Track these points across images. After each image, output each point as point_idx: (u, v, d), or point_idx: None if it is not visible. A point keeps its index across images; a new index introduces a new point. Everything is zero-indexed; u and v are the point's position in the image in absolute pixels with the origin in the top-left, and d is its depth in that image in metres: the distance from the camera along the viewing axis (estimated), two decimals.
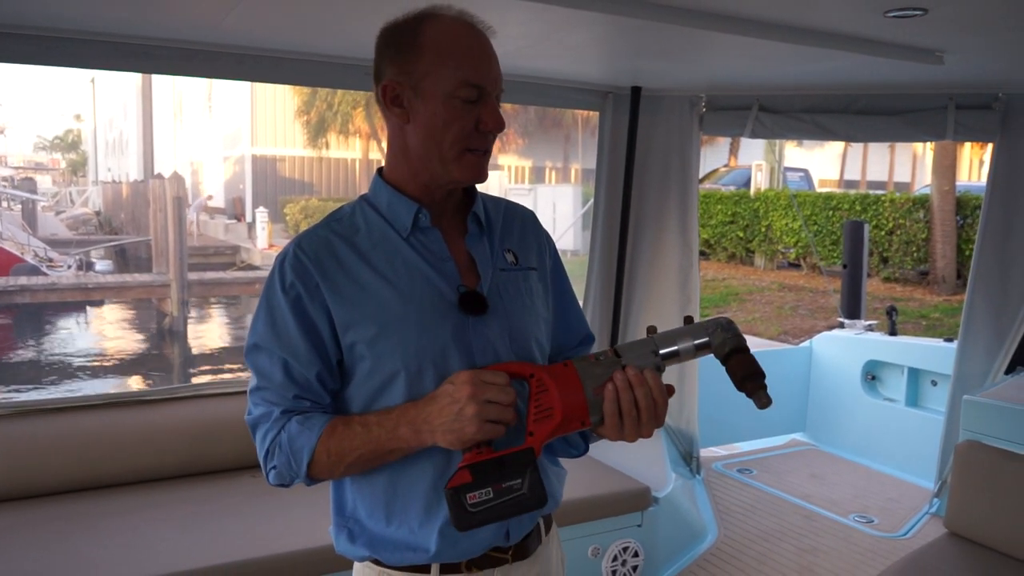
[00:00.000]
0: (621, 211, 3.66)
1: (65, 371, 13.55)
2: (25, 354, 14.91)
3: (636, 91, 3.47)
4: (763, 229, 15.34)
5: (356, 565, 1.33)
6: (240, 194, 29.31)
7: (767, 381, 1.18)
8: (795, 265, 15.23)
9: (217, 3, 2.16)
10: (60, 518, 2.66)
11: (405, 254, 1.26)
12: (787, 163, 21.84)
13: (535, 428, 1.16)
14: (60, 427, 2.92)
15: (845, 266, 5.45)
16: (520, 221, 1.42)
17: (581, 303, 3.91)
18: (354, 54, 2.79)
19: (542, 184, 26.08)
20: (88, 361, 14.34)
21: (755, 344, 10.60)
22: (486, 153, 1.27)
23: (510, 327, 1.29)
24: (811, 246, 14.07)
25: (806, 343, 5.22)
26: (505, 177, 22.36)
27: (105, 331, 17.26)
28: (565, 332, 1.44)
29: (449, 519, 1.13)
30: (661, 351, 1.20)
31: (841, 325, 5.24)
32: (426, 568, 1.27)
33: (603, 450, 3.57)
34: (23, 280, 16.04)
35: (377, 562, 1.30)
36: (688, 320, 1.24)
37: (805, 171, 20.87)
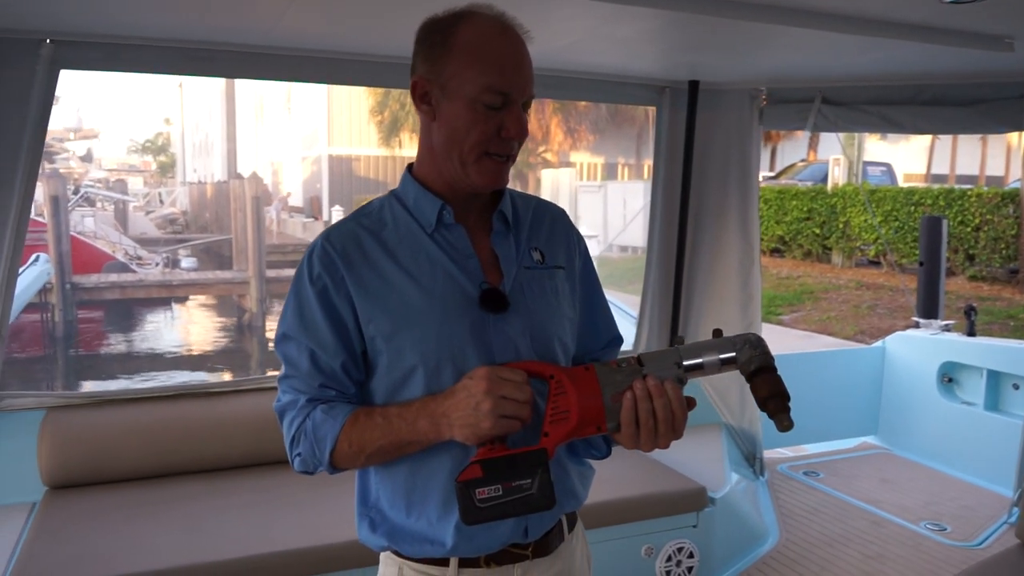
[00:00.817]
0: (680, 208, 3.61)
1: (150, 363, 14.18)
2: (114, 347, 15.66)
3: (694, 85, 3.42)
4: (840, 225, 14.87)
5: (381, 556, 1.36)
6: (317, 193, 30.07)
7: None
8: (875, 263, 14.72)
9: (270, 7, 2.23)
10: (131, 503, 2.78)
11: (429, 250, 1.28)
12: (868, 157, 21.09)
13: (550, 429, 1.17)
14: (131, 417, 3.05)
15: (922, 263, 5.23)
16: (550, 220, 1.41)
17: (639, 300, 3.90)
18: (405, 54, 2.83)
19: (614, 181, 25.90)
20: (172, 354, 14.97)
21: (827, 344, 10.32)
22: (508, 159, 1.27)
23: (532, 326, 1.28)
24: (884, 242, 13.56)
25: (879, 343, 5.04)
26: (575, 174, 22.28)
27: (188, 326, 18.00)
28: (592, 333, 1.43)
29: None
30: (685, 363, 1.19)
31: (916, 325, 5.04)
32: (444, 562, 1.28)
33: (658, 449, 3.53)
34: (113, 277, 16.86)
35: (397, 553, 1.32)
36: (717, 333, 1.21)
37: (887, 165, 20.12)
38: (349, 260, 1.25)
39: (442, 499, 1.25)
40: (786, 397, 1.16)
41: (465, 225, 1.31)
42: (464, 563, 1.28)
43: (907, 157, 27.72)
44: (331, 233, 1.29)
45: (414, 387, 1.24)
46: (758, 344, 1.19)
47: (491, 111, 1.21)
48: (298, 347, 1.26)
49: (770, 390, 1.16)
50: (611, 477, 3.11)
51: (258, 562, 2.42)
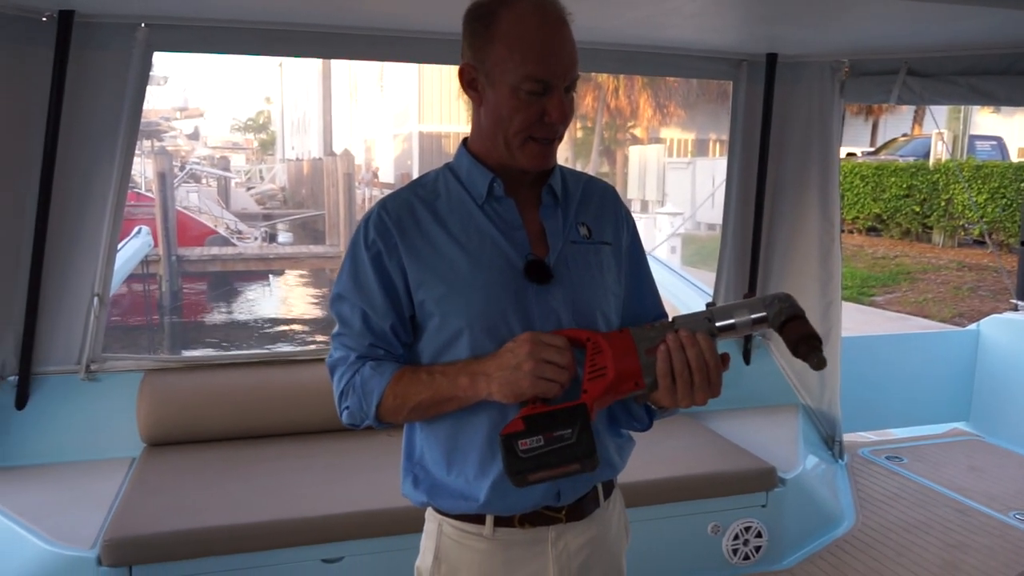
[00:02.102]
0: (756, 184, 3.55)
1: (246, 331, 14.83)
2: (215, 316, 16.46)
3: (772, 58, 3.33)
4: (943, 203, 14.14)
5: (426, 513, 1.43)
6: (408, 170, 30.54)
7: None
8: (980, 242, 13.95)
9: None
10: (219, 461, 2.96)
11: (479, 221, 1.33)
12: (977, 131, 19.92)
13: (589, 386, 1.21)
14: (221, 381, 3.24)
15: (1023, 243, 4.96)
16: (599, 196, 1.44)
17: (715, 278, 3.86)
18: None
19: (704, 157, 25.32)
20: (267, 323, 15.62)
21: (920, 326, 9.88)
22: (553, 141, 1.30)
23: (574, 298, 1.32)
24: (982, 219, 12.80)
25: (972, 326, 4.83)
26: (664, 151, 21.87)
27: (283, 297, 18.73)
28: (639, 309, 1.45)
29: (502, 472, 1.20)
30: (717, 323, 1.22)
31: (1015, 308, 4.79)
32: (480, 519, 1.34)
33: (729, 427, 3.51)
34: (215, 250, 17.70)
35: (437, 510, 1.38)
36: (748, 295, 1.25)
37: (998, 139, 18.91)
38: (403, 228, 1.31)
39: (480, 458, 1.31)
40: (816, 338, 1.18)
41: (515, 198, 1.35)
42: (500, 522, 1.34)
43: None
44: (387, 202, 1.36)
45: (459, 350, 1.29)
46: (786, 299, 1.22)
47: (532, 97, 1.25)
48: (351, 307, 1.33)
49: (799, 334, 1.18)
50: (678, 453, 3.13)
51: (334, 520, 2.55)
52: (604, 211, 1.43)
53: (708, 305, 1.25)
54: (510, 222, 1.34)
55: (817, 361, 1.16)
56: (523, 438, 1.17)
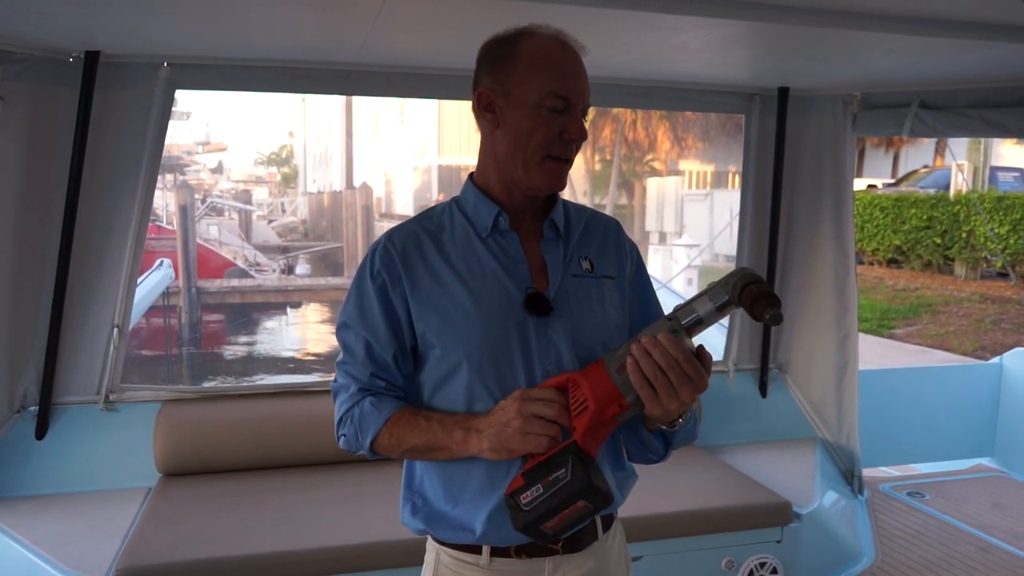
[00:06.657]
0: (771, 217, 3.55)
1: (264, 363, 14.90)
2: (234, 347, 16.57)
3: (783, 91, 3.36)
4: (964, 235, 14.02)
5: (426, 544, 1.44)
6: (427, 202, 30.82)
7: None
8: (1003, 275, 13.79)
9: (353, 31, 2.37)
10: (233, 492, 2.97)
11: (481, 254, 1.35)
12: (1002, 162, 19.78)
13: (576, 423, 1.22)
14: (237, 412, 3.26)
15: None
16: (602, 231, 1.46)
17: None
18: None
19: (722, 189, 25.34)
20: (285, 354, 15.69)
21: (941, 359, 9.75)
22: (567, 162, 1.33)
23: (574, 331, 1.33)
24: (1000, 252, 12.64)
25: (995, 360, 4.77)
26: (682, 183, 21.88)
27: (300, 329, 18.83)
28: None
29: (499, 503, 1.23)
30: (683, 321, 1.19)
31: None
32: (477, 549, 1.35)
33: (745, 461, 3.48)
34: (234, 282, 17.91)
35: (435, 539, 1.40)
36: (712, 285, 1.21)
37: (1021, 170, 18.79)
38: (407, 260, 1.34)
39: (478, 489, 1.32)
40: (773, 296, 1.12)
41: (519, 232, 1.38)
42: (497, 553, 1.34)
43: None
44: (393, 234, 1.39)
45: (459, 381, 1.31)
46: (742, 272, 1.17)
47: (553, 115, 1.29)
48: (355, 336, 1.36)
49: (755, 295, 1.13)
50: (692, 487, 3.10)
51: (348, 552, 2.55)
52: (607, 245, 1.45)
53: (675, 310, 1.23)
54: (512, 255, 1.36)
55: (772, 316, 1.10)
56: (524, 492, 1.19)
